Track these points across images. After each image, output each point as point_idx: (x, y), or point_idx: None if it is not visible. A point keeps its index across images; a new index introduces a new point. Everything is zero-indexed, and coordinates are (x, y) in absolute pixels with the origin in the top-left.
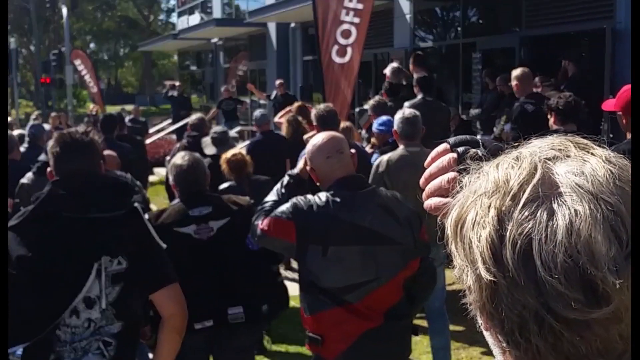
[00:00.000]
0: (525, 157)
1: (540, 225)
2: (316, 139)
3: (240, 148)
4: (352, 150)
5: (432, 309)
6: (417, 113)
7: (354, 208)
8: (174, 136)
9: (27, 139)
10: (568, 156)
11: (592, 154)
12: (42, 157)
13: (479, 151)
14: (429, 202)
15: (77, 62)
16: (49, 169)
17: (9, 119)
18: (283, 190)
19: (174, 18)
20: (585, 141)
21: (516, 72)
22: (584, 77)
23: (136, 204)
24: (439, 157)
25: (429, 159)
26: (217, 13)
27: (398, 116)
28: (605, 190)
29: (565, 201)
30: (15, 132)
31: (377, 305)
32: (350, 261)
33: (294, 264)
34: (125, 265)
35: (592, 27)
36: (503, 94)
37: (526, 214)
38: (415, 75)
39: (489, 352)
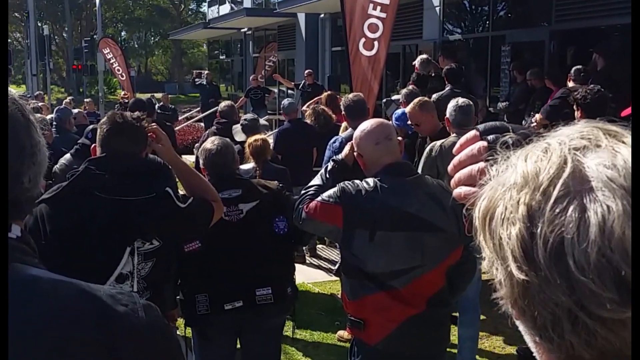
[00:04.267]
0: (555, 149)
1: (572, 223)
2: (365, 125)
3: (269, 135)
4: (400, 137)
5: (465, 300)
6: (471, 102)
7: (401, 194)
8: (202, 124)
9: (54, 123)
10: (598, 146)
11: (623, 142)
12: (82, 139)
13: (510, 139)
14: (459, 191)
15: (106, 50)
16: (93, 145)
17: (40, 103)
18: (327, 176)
19: (204, 7)
20: (615, 128)
21: None
22: (613, 71)
23: (168, 189)
24: (469, 144)
25: (457, 145)
26: (247, 3)
27: (452, 104)
28: None
29: (597, 197)
30: (48, 117)
31: (421, 292)
32: (397, 247)
33: (319, 251)
34: (158, 244)
35: (622, 22)
36: (534, 88)
37: (557, 210)
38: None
39: (511, 342)
